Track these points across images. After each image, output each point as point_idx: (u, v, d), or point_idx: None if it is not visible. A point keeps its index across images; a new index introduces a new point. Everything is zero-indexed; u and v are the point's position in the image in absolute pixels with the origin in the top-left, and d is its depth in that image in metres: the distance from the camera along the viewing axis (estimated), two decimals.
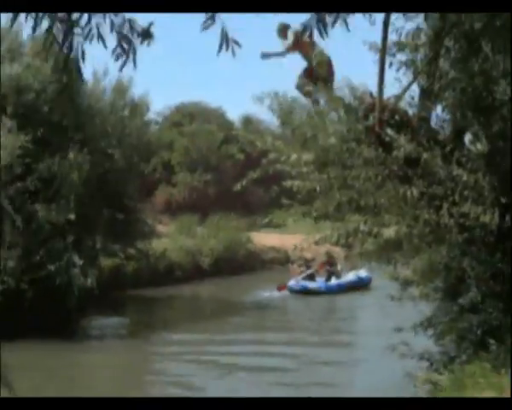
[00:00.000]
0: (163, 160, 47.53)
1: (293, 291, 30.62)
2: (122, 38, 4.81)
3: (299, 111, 11.00)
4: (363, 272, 30.76)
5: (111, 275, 28.58)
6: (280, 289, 30.38)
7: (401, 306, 10.91)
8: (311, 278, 31.53)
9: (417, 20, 9.52)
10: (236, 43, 4.69)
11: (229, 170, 45.66)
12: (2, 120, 22.28)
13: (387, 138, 9.34)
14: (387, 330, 11.23)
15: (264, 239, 40.63)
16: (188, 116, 50.33)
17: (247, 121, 52.45)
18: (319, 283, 31.17)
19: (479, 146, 9.40)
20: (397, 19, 9.55)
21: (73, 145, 23.28)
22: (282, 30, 10.95)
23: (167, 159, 47.80)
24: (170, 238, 35.94)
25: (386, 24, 9.28)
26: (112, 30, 4.79)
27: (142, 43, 4.83)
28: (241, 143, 48.62)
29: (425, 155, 8.95)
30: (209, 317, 27.07)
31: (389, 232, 9.23)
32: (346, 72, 10.22)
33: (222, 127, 49.60)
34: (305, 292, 30.33)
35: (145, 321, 25.64)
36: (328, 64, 10.74)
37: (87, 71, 24.84)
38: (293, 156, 9.97)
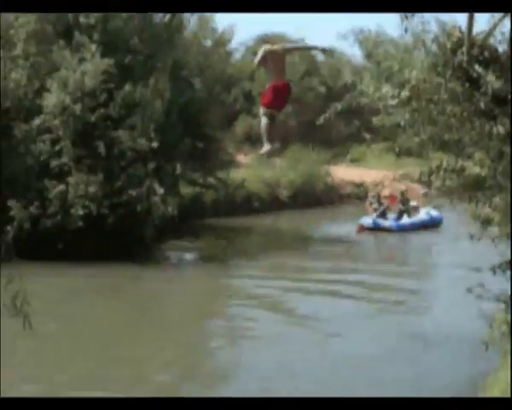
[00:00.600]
0: (244, 90, 47.48)
1: (365, 228, 30.52)
2: None
3: (384, 45, 10.80)
4: (434, 212, 30.41)
5: (190, 203, 28.90)
6: (359, 230, 30.34)
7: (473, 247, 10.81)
8: (383, 215, 31.23)
9: None
10: None
11: (311, 102, 45.35)
12: (88, 46, 22.52)
13: (475, 74, 9.13)
14: (463, 266, 11.17)
15: (344, 173, 40.49)
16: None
17: (330, 54, 51.85)
18: (390, 221, 30.92)
19: None
20: None
21: (156, 73, 23.43)
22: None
23: (248, 89, 47.71)
24: (249, 169, 36.05)
25: None
26: None
27: None
28: (323, 76, 48.25)
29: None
30: (286, 246, 27.32)
31: (473, 168, 9.08)
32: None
33: (304, 59, 49.17)
34: (377, 229, 30.24)
35: (222, 248, 25.97)
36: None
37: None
38: (382, 90, 9.79)
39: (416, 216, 31.41)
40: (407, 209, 31.32)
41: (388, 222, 30.76)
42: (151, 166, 22.29)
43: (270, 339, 15.35)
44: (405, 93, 9.46)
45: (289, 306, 18.74)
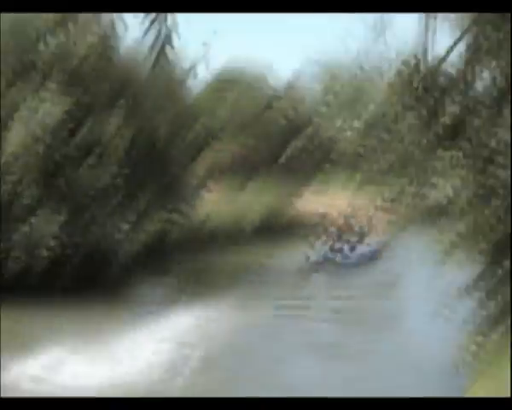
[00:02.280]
0: (207, 125, 47.56)
1: (315, 262, 28.86)
2: None
3: (342, 76, 10.91)
4: (375, 243, 29.29)
5: (156, 240, 28.75)
6: (311, 264, 28.82)
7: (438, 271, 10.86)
8: (335, 247, 29.72)
9: None
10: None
11: (273, 135, 45.52)
12: (47, 85, 22.47)
13: (433, 101, 9.26)
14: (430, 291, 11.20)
15: (308, 204, 40.56)
16: (231, 82, 50.22)
17: (291, 87, 52.22)
18: (342, 254, 29.53)
19: None
20: None
21: (117, 111, 23.43)
22: None
23: (211, 124, 47.79)
24: (214, 203, 35.99)
25: None
26: None
27: None
28: (284, 109, 48.51)
29: (470, 118, 8.86)
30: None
31: (436, 194, 9.18)
32: (392, 35, 10.13)
33: (265, 93, 49.45)
34: (328, 262, 28.77)
35: (190, 287, 25.66)
36: None
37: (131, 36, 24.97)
38: (340, 121, 9.92)
39: (366, 247, 30.03)
40: (359, 240, 30.07)
41: (339, 255, 29.29)
42: (114, 203, 22.19)
43: None
44: (364, 123, 9.58)
45: None
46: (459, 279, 10.21)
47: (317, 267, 28.40)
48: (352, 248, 29.92)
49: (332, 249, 29.68)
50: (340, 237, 30.34)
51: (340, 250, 29.79)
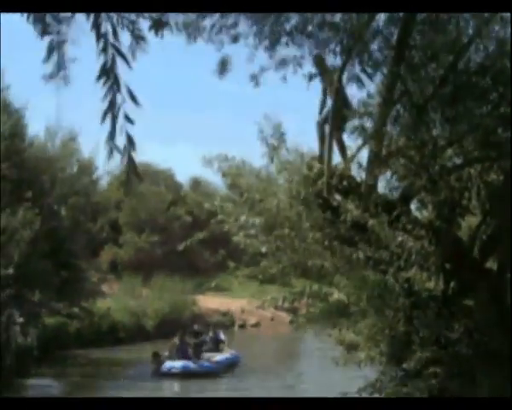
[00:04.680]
0: (110, 219, 47.28)
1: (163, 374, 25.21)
2: None
3: (247, 174, 11.02)
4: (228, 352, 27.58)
5: (53, 333, 28.10)
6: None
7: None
8: (185, 353, 26.18)
9: (368, 87, 9.71)
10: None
11: (177, 231, 45.53)
12: None
13: (335, 203, 9.42)
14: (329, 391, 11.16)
15: (210, 302, 40.47)
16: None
17: (196, 183, 52.60)
18: (185, 361, 25.70)
19: (425, 213, 9.52)
20: (348, 86, 9.75)
21: (25, 202, 23.14)
22: None
23: (115, 218, 47.55)
24: (114, 298, 35.59)
25: (337, 91, 9.45)
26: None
27: None
28: (188, 205, 48.67)
29: (371, 221, 9.02)
30: None
31: (337, 295, 9.26)
32: (296, 136, 10.32)
33: (170, 189, 49.66)
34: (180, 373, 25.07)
35: (82, 383, 24.73)
36: None
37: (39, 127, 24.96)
38: (242, 218, 9.99)
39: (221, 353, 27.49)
40: (200, 343, 27.34)
41: (180, 363, 25.43)
42: (10, 294, 21.65)
43: None
44: (266, 221, 9.66)
45: None
46: (358, 379, 10.23)
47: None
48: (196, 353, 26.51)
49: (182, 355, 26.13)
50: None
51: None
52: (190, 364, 25.49)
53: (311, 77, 9.93)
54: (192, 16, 9.00)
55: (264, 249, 9.91)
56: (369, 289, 8.99)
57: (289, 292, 10.14)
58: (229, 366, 26.65)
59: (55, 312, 27.49)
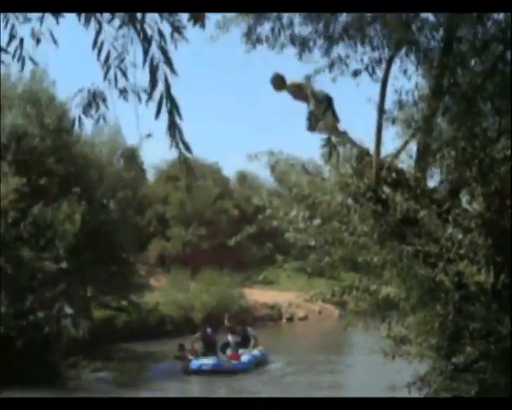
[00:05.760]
0: (158, 213, 47.58)
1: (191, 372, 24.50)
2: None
3: (295, 169, 10.99)
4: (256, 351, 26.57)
5: (102, 326, 28.37)
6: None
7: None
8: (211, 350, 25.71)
9: (416, 78, 9.64)
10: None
11: (224, 225, 45.67)
12: (1, 165, 22.37)
13: (384, 196, 9.37)
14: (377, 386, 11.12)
15: (257, 295, 40.53)
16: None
17: (242, 178, 52.69)
18: (215, 359, 25.10)
19: (475, 205, 9.42)
20: (396, 78, 9.67)
21: (70, 196, 23.34)
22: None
23: (162, 212, 47.84)
24: (162, 292, 35.82)
25: (384, 83, 9.39)
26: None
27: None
28: (235, 199, 48.79)
29: (421, 214, 8.96)
30: None
31: (387, 290, 9.20)
32: (347, 127, 10.27)
33: (217, 183, 49.78)
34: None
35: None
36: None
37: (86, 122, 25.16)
38: (292, 213, 9.95)
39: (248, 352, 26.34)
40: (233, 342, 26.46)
41: (210, 361, 24.81)
42: (61, 287, 21.89)
43: None
44: (316, 216, 9.63)
45: None
46: (408, 374, 10.16)
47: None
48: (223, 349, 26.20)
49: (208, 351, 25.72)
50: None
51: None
52: (221, 362, 25.11)
53: (356, 73, 9.86)
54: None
55: (312, 243, 9.89)
56: (419, 283, 8.92)
57: (339, 286, 10.09)
58: (258, 364, 26.08)
59: (104, 305, 27.79)
